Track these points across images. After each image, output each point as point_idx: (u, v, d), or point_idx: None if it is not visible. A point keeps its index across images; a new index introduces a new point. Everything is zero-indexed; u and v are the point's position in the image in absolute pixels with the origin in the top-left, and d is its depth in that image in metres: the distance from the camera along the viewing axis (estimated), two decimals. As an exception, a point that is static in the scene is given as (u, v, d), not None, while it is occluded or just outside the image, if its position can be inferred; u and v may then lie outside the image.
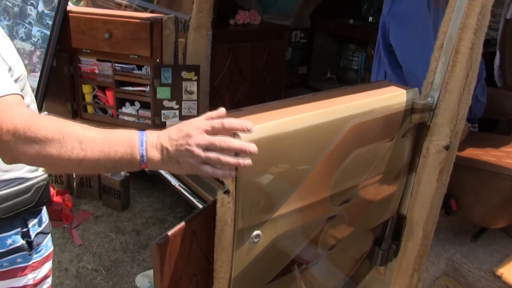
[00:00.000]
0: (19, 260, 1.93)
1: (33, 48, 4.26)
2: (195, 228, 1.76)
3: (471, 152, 3.22)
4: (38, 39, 4.23)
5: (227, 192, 1.69)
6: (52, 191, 4.70)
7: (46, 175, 1.99)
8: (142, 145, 1.45)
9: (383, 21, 3.12)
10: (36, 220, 1.97)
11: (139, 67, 4.22)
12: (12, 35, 4.31)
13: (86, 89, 4.53)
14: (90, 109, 4.64)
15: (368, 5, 6.69)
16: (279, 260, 2.01)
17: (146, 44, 4.01)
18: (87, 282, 3.91)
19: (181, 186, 4.34)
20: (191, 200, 4.18)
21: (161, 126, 4.11)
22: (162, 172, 4.56)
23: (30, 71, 4.22)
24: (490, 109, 3.67)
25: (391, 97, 2.14)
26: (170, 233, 1.64)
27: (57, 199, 4.67)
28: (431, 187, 2.33)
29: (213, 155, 1.45)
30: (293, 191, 1.86)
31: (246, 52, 4.99)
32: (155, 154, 1.45)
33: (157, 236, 1.53)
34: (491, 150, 3.32)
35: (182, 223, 1.69)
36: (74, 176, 5.12)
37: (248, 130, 1.51)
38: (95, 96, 4.56)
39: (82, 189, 5.07)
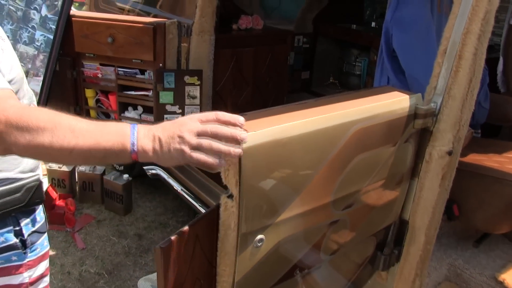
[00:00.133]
0: (14, 258, 1.95)
1: (36, 52, 4.27)
2: (199, 232, 1.76)
3: (474, 158, 3.22)
4: (41, 43, 4.23)
5: (230, 196, 1.69)
6: (55, 195, 4.71)
7: (38, 176, 2.00)
8: (133, 134, 1.45)
9: (386, 27, 3.12)
10: (29, 220, 1.99)
11: (142, 72, 4.22)
12: (15, 39, 4.32)
13: (89, 93, 4.54)
14: (93, 113, 4.65)
15: (371, 11, 6.69)
16: (281, 264, 2.01)
17: (149, 49, 4.02)
18: (89, 286, 3.91)
19: (183, 191, 4.33)
20: (194, 205, 4.18)
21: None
22: (165, 176, 4.56)
23: (33, 75, 4.23)
24: (493, 115, 3.67)
25: (394, 102, 2.14)
26: (173, 237, 1.64)
27: (59, 203, 4.68)
28: (433, 193, 2.33)
29: (204, 141, 1.46)
30: (296, 195, 1.86)
31: (248, 56, 4.99)
32: (146, 143, 1.45)
33: (159, 240, 1.52)
34: (494, 156, 3.32)
35: (186, 227, 1.70)
36: (76, 180, 5.13)
37: (241, 124, 1.53)
38: (98, 100, 4.57)
39: (85, 193, 5.08)
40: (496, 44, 4.67)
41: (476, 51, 2.09)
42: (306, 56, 6.51)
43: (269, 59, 5.19)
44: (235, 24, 5.18)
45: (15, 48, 4.16)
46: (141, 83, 4.26)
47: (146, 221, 4.84)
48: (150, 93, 4.22)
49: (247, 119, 1.64)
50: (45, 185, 4.87)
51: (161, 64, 4.05)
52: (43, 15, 4.23)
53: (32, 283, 2.06)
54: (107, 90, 4.46)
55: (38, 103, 2.08)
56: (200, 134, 1.46)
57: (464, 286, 3.06)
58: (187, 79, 4.02)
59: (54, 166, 5.02)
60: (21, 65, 3.79)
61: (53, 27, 4.14)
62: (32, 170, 1.98)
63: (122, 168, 5.39)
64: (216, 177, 1.73)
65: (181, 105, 4.11)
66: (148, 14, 4.89)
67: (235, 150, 1.50)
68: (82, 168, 5.04)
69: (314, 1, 6.23)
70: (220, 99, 4.76)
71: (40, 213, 2.06)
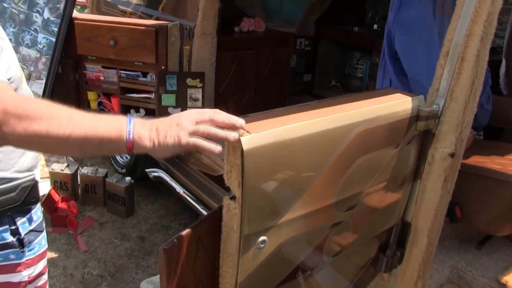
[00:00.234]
0: (12, 256, 1.97)
1: (38, 55, 4.28)
2: (201, 234, 1.77)
3: (476, 160, 3.22)
4: (43, 46, 4.24)
5: (233, 198, 1.69)
6: (57, 197, 4.72)
7: (33, 176, 2.02)
8: (130, 124, 1.46)
9: (389, 29, 3.12)
10: (25, 219, 2.01)
11: (144, 74, 4.22)
12: (17, 42, 4.33)
13: (91, 96, 4.54)
14: (95, 115, 4.64)
15: (373, 13, 6.70)
16: (284, 266, 2.01)
17: (151, 51, 4.02)
18: (91, 288, 3.92)
19: (185, 193, 4.34)
20: (196, 207, 4.18)
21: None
22: (167, 178, 4.57)
23: (36, 77, 4.24)
24: (496, 117, 3.67)
25: (396, 104, 2.14)
26: (176, 238, 1.65)
27: (62, 205, 4.68)
28: (436, 195, 2.33)
29: (201, 126, 1.48)
30: (299, 197, 1.86)
31: (250, 59, 4.99)
32: (142, 132, 1.47)
33: (161, 242, 1.53)
34: (497, 158, 3.32)
35: (188, 229, 1.70)
36: (79, 183, 5.14)
37: (241, 126, 1.56)
38: (100, 103, 4.57)
39: (87, 196, 5.08)
40: (498, 46, 4.67)
41: (478, 53, 2.09)
42: (308, 58, 6.52)
43: (271, 62, 5.20)
44: (237, 26, 5.19)
45: (17, 51, 4.17)
46: (143, 86, 4.26)
47: (148, 224, 4.85)
48: (152, 96, 4.23)
49: (249, 121, 1.65)
50: (48, 187, 4.88)
51: (163, 67, 4.05)
52: (45, 18, 4.23)
53: (31, 282, 2.09)
54: (109, 93, 4.47)
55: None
56: (197, 123, 1.49)
57: (466, 288, 3.06)
58: (189, 81, 4.02)
59: (57, 168, 5.03)
60: (24, 68, 3.80)
61: (56, 29, 4.15)
62: (29, 170, 2.00)
63: (124, 170, 5.40)
64: (218, 179, 1.74)
65: (183, 108, 4.10)
66: (150, 16, 4.90)
67: (232, 135, 1.53)
68: (84, 170, 5.05)
69: (316, 3, 6.23)
70: (222, 101, 4.76)
71: (37, 213, 2.08)
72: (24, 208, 1.99)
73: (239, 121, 1.54)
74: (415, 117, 2.18)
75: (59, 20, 4.11)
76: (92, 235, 4.58)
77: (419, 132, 2.22)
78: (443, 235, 2.84)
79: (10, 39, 4.05)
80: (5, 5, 4.36)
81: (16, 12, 4.33)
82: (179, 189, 4.42)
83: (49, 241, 4.21)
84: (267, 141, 1.67)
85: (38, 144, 1.45)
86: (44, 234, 2.15)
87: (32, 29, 4.29)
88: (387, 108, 2.10)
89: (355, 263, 2.50)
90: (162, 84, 4.00)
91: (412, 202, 2.43)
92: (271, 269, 1.93)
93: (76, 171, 5.12)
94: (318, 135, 1.84)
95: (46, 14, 4.23)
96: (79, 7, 8.30)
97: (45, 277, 2.20)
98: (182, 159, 4.49)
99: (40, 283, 2.16)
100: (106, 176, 5.05)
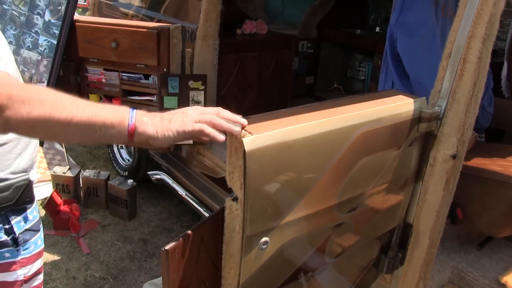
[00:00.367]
0: (7, 255, 1.99)
1: (40, 58, 4.27)
2: (204, 235, 1.77)
3: (478, 162, 3.23)
4: (44, 49, 4.24)
5: (235, 199, 1.70)
6: (60, 200, 4.72)
7: (27, 176, 2.04)
8: (132, 110, 1.50)
9: (391, 30, 3.13)
10: (20, 218, 2.03)
11: (146, 77, 4.21)
12: (18, 45, 4.33)
13: (93, 98, 4.54)
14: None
15: (375, 15, 6.70)
16: (286, 267, 2.01)
17: (153, 54, 4.01)
18: (94, 291, 3.92)
19: (188, 196, 4.35)
20: (198, 210, 4.19)
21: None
22: (169, 181, 4.57)
23: (37, 80, 4.23)
24: (497, 119, 3.67)
25: (398, 106, 2.14)
26: (178, 239, 1.65)
27: (64, 208, 4.69)
28: (437, 196, 2.33)
29: (206, 116, 1.52)
30: (301, 198, 1.87)
31: (253, 61, 4.99)
32: (144, 118, 1.50)
33: (164, 245, 1.53)
34: (498, 160, 3.32)
35: (191, 230, 1.70)
36: (81, 186, 5.14)
37: (242, 125, 1.61)
38: (102, 105, 4.57)
39: (89, 199, 5.09)
40: (500, 49, 4.67)
41: (480, 54, 2.10)
42: (310, 61, 6.50)
43: (273, 64, 5.20)
44: (239, 29, 5.18)
45: (18, 54, 4.17)
46: (145, 88, 4.25)
47: (150, 226, 4.85)
48: (154, 98, 4.22)
49: (251, 122, 1.65)
50: (50, 190, 4.89)
51: (165, 69, 4.05)
52: (46, 20, 4.23)
53: (26, 281, 2.11)
54: (111, 95, 4.46)
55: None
56: (203, 114, 1.53)
57: (467, 289, 3.07)
58: (191, 84, 4.02)
59: (59, 171, 5.03)
60: (25, 71, 3.80)
61: (57, 32, 4.14)
62: (24, 171, 2.03)
63: (126, 173, 5.41)
64: (220, 181, 1.74)
65: (186, 110, 4.10)
66: (152, 19, 4.90)
67: (235, 128, 1.57)
68: (86, 173, 5.05)
69: (318, 6, 6.23)
70: (224, 104, 4.76)
71: (32, 212, 2.10)
72: (18, 208, 2.01)
73: (241, 120, 1.56)
74: (417, 118, 2.18)
75: (60, 22, 4.10)
76: (94, 238, 4.59)
77: (421, 133, 2.22)
78: (445, 236, 2.84)
79: (10, 42, 4.06)
80: (5, 7, 4.36)
81: (17, 14, 4.33)
82: (181, 191, 4.43)
83: (51, 244, 4.24)
84: (269, 142, 1.67)
85: (40, 128, 1.46)
86: (40, 234, 2.17)
87: (33, 31, 4.29)
88: (389, 109, 2.10)
89: (357, 264, 2.50)
90: (164, 87, 3.99)
91: (413, 204, 2.43)
92: (273, 270, 1.93)
93: (78, 174, 5.13)
94: (320, 136, 1.84)
95: (47, 16, 4.23)
96: (80, 9, 8.28)
97: (41, 277, 2.22)
98: (184, 161, 4.50)
99: (36, 283, 2.18)
100: (108, 178, 5.06)
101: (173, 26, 3.90)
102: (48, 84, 4.16)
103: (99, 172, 5.10)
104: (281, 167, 1.77)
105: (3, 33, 2.34)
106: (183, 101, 4.04)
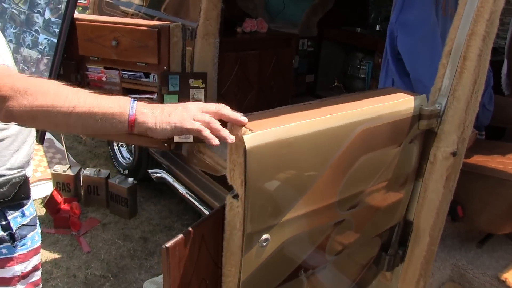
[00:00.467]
0: (4, 251, 2.00)
1: (40, 56, 4.27)
2: (204, 233, 1.77)
3: (478, 159, 3.23)
4: (45, 47, 4.23)
5: (236, 196, 1.70)
6: (60, 198, 4.72)
7: (24, 172, 2.05)
8: (133, 101, 1.51)
9: (391, 29, 3.13)
10: (17, 213, 2.04)
11: (147, 75, 4.21)
12: (18, 43, 4.32)
13: (94, 96, 4.53)
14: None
15: (376, 14, 6.70)
16: (286, 264, 2.01)
17: (153, 52, 4.01)
18: (94, 289, 3.93)
19: (188, 194, 4.35)
20: (199, 208, 4.19)
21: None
22: (170, 179, 4.57)
23: (38, 79, 4.23)
24: (497, 117, 3.68)
25: (399, 103, 2.14)
26: (179, 237, 1.65)
27: (64, 206, 4.69)
28: (438, 194, 2.33)
29: (207, 116, 1.52)
30: (302, 195, 1.87)
31: (253, 60, 4.99)
32: (145, 109, 1.50)
33: (164, 243, 1.53)
34: (498, 157, 3.33)
35: (191, 228, 1.70)
36: (81, 184, 5.14)
37: (243, 122, 1.62)
38: (102, 104, 4.56)
39: (90, 197, 5.09)
40: (500, 47, 4.67)
41: (481, 52, 2.10)
42: (310, 59, 6.50)
43: (274, 63, 5.20)
44: (239, 27, 5.19)
45: (18, 52, 4.17)
46: (145, 86, 4.25)
47: (151, 224, 4.85)
48: (154, 96, 4.22)
49: (252, 120, 1.65)
50: (50, 189, 4.89)
51: (165, 67, 4.04)
52: (46, 18, 4.22)
53: (24, 277, 2.11)
54: (112, 94, 4.46)
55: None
56: (204, 112, 1.53)
57: (467, 286, 3.06)
58: (191, 82, 4.01)
59: (59, 170, 5.03)
60: (25, 69, 3.80)
61: (57, 30, 4.14)
62: (21, 168, 2.04)
63: (127, 171, 5.41)
64: (221, 180, 1.74)
65: (186, 108, 4.09)
66: (152, 17, 4.90)
67: (230, 137, 1.56)
68: (87, 172, 5.05)
69: (319, 4, 6.22)
70: (224, 102, 4.69)
71: (29, 208, 2.11)
72: (15, 203, 2.02)
73: (242, 117, 1.56)
74: (418, 116, 2.18)
75: (61, 20, 4.10)
76: (95, 236, 4.59)
77: (421, 131, 2.22)
78: (445, 234, 2.84)
79: (10, 40, 4.06)
80: (5, 5, 4.36)
81: (17, 13, 4.33)
82: (181, 189, 4.43)
83: (52, 242, 4.25)
84: (270, 139, 1.67)
85: (42, 118, 1.47)
86: (37, 229, 2.18)
87: (33, 30, 4.29)
88: (390, 107, 2.10)
89: (357, 262, 2.50)
90: (164, 85, 3.99)
91: (414, 201, 2.43)
92: (273, 267, 1.94)
93: (78, 172, 5.13)
94: (320, 133, 1.84)
95: (47, 14, 4.22)
96: (80, 8, 8.30)
97: (39, 273, 2.22)
98: (184, 159, 4.50)
99: (34, 279, 2.18)
100: (108, 177, 5.06)
101: (174, 25, 3.90)
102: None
103: (99, 170, 5.10)
104: (282, 164, 1.77)
105: (3, 32, 2.34)
106: (184, 99, 4.04)
